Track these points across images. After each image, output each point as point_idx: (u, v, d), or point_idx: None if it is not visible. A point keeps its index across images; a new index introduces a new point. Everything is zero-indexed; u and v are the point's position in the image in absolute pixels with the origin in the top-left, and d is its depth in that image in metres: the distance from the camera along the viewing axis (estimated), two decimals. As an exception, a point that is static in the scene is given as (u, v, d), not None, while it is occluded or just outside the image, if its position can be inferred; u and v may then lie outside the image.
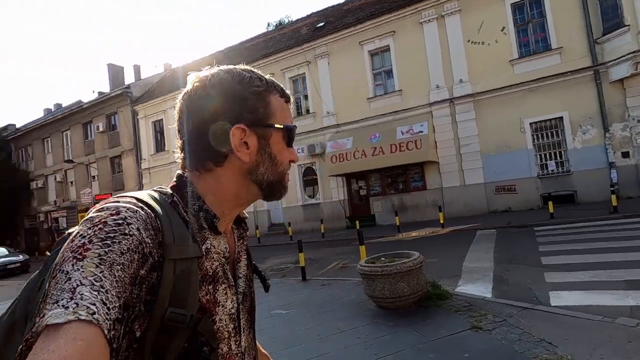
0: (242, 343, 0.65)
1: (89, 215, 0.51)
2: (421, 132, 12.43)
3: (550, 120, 11.88)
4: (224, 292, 0.62)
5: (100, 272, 0.43)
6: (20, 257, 16.47)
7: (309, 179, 16.30)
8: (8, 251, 16.97)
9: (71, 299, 0.40)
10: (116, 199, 0.54)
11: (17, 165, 27.27)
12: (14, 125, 29.48)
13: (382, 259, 4.84)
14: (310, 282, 6.62)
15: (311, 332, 4.13)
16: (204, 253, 0.59)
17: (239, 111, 0.62)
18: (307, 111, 16.24)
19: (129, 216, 0.50)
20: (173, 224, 0.55)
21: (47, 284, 0.43)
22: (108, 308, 0.42)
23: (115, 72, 26.16)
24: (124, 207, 0.51)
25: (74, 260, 0.43)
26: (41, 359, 0.36)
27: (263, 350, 0.92)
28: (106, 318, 0.41)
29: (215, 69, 0.65)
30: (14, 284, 12.44)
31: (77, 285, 0.41)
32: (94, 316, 0.39)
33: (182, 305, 0.52)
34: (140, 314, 0.48)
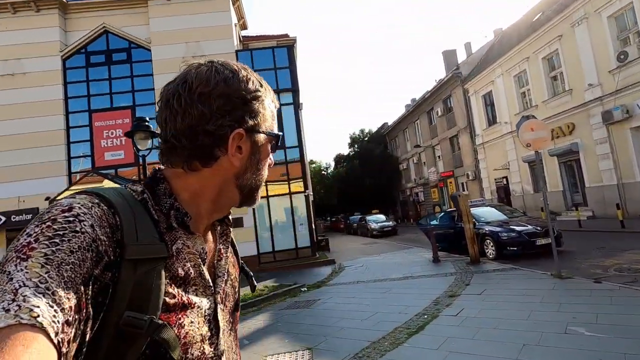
0: (220, 346, 0.61)
1: (40, 212, 0.48)
2: None
3: None
4: (196, 292, 0.58)
5: (46, 273, 0.40)
6: (391, 223, 21.90)
7: None
8: (385, 218, 23.04)
9: (13, 300, 0.38)
10: (73, 195, 0.52)
11: (390, 153, 36.04)
12: (387, 123, 39.00)
13: None
14: (669, 302, 4.23)
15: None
16: (174, 254, 0.56)
17: (241, 115, 0.60)
18: None
19: (82, 212, 0.47)
20: (138, 223, 0.52)
21: None
22: (55, 310, 0.39)
23: (449, 57, 27.93)
24: (78, 203, 0.49)
25: (18, 260, 0.41)
26: None
27: None
28: (52, 321, 0.39)
29: (212, 64, 0.62)
30: (384, 242, 16.85)
31: (20, 287, 0.39)
32: (38, 319, 0.37)
33: (142, 309, 0.48)
34: (89, 316, 0.45)
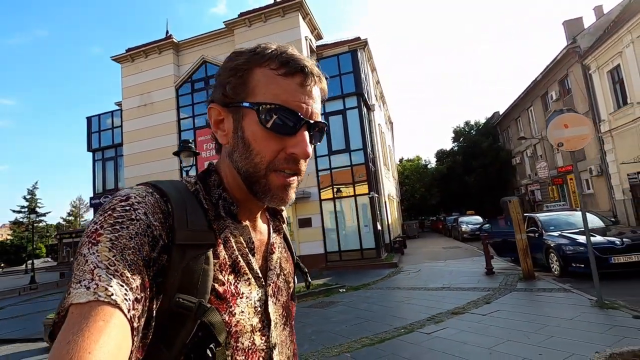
0: (272, 339, 0.61)
1: (104, 202, 0.52)
2: None
3: None
4: (247, 283, 0.59)
5: (113, 256, 0.45)
6: (486, 226, 19.63)
7: None
8: (482, 220, 20.81)
9: (92, 280, 0.43)
10: (131, 187, 0.56)
11: (501, 146, 31.87)
12: (498, 112, 34.55)
13: None
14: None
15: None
16: (222, 242, 0.58)
17: (216, 90, 0.61)
18: None
19: (136, 202, 0.51)
20: (188, 211, 0.55)
21: (72, 265, 0.46)
22: (125, 290, 0.44)
23: (572, 28, 23.13)
24: (134, 193, 0.52)
25: (90, 245, 0.46)
26: (67, 340, 0.38)
27: None
28: (124, 298, 0.43)
29: None
30: (468, 247, 15.40)
31: (95, 267, 0.44)
32: (112, 297, 0.42)
33: (192, 292, 0.51)
34: (153, 295, 0.49)
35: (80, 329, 0.39)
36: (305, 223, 13.97)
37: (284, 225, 0.74)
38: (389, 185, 21.39)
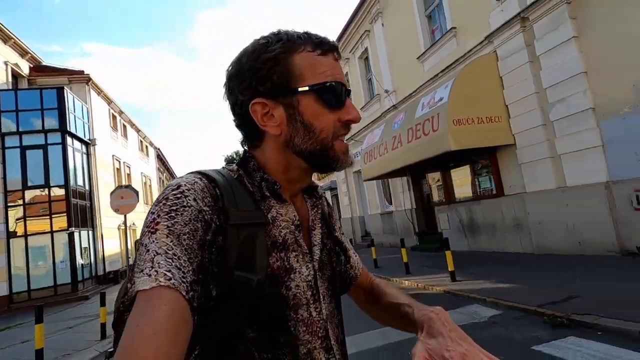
0: (323, 310, 0.65)
1: (159, 193, 0.55)
2: (441, 99, 6.80)
3: None
4: (297, 259, 0.62)
5: (171, 241, 0.48)
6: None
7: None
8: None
9: (152, 267, 0.46)
10: (182, 175, 0.59)
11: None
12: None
13: None
14: None
15: None
16: (270, 221, 0.60)
17: (254, 85, 0.61)
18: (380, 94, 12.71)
19: (186, 189, 0.53)
20: (236, 194, 0.57)
21: (136, 256, 0.50)
22: (183, 272, 0.47)
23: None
24: (185, 181, 0.55)
25: (149, 234, 0.49)
26: (135, 324, 0.43)
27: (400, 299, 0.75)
28: (182, 281, 0.46)
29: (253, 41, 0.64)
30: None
31: (155, 255, 0.47)
32: (171, 281, 0.45)
33: (249, 269, 0.54)
34: (215, 275, 0.52)
35: (145, 312, 0.43)
36: (-16, 264, 12.81)
37: (322, 200, 0.76)
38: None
